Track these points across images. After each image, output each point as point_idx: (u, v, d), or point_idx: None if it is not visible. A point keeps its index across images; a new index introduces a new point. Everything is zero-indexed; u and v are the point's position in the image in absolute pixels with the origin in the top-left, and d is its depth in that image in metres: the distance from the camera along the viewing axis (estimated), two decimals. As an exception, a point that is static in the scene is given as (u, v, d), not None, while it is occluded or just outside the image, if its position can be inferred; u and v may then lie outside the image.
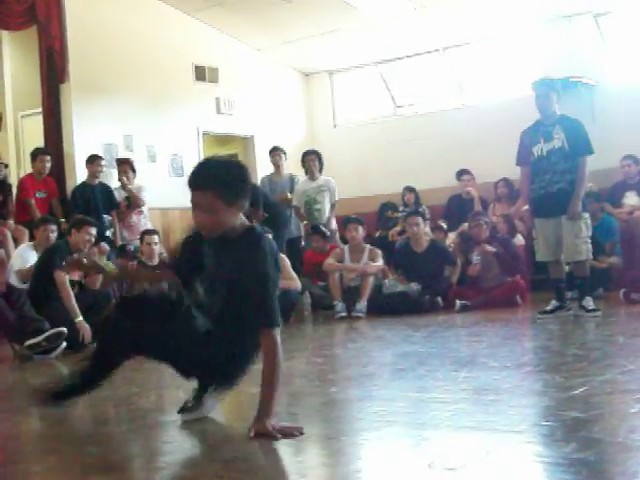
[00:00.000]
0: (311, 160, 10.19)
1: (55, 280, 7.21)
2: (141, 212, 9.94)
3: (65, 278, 7.26)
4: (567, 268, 7.30)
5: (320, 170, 10.20)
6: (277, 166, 10.43)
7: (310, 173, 10.20)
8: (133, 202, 9.80)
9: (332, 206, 10.21)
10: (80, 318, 7.17)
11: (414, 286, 8.61)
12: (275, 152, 10.44)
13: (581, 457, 2.56)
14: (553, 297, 7.10)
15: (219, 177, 3.13)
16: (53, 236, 7.93)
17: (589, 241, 6.98)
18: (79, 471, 2.94)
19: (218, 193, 3.12)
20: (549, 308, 7.03)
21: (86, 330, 7.17)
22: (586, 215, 6.98)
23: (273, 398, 3.26)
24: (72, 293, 7.25)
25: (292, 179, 10.36)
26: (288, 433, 3.14)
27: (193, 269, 3.50)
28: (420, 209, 10.54)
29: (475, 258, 8.55)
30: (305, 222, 10.07)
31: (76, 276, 7.56)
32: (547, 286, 7.67)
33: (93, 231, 7.56)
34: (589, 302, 6.90)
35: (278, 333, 3.26)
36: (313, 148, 10.83)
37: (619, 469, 2.43)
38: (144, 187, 9.97)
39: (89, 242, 7.52)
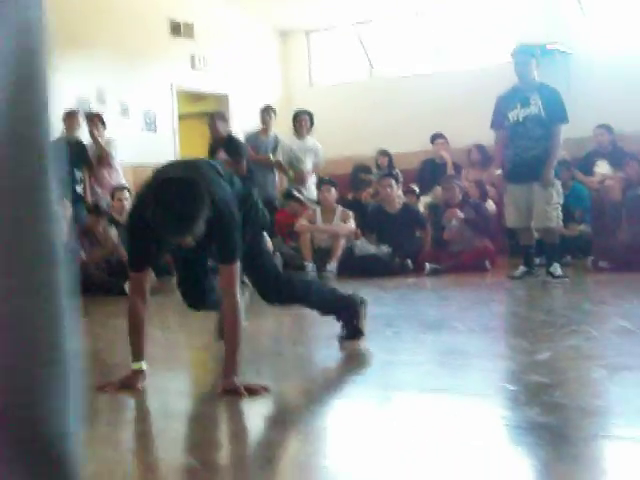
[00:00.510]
0: (303, 120, 10.15)
1: None
2: (111, 166, 9.84)
3: None
4: (536, 235, 7.36)
5: (309, 131, 10.18)
6: (266, 125, 10.33)
7: (299, 132, 10.14)
8: (102, 156, 9.69)
9: (314, 166, 10.17)
10: None
11: (385, 248, 8.64)
12: (267, 111, 10.34)
13: (544, 421, 2.61)
14: (522, 263, 7.17)
15: (197, 222, 3.12)
16: None
17: (559, 208, 7.05)
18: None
19: (200, 227, 3.14)
20: (517, 273, 7.09)
21: None
22: (557, 182, 7.04)
23: (238, 355, 3.27)
24: None
25: (277, 139, 10.29)
26: (255, 391, 3.16)
27: (149, 262, 3.52)
28: (393, 172, 10.52)
29: (452, 223, 8.59)
30: (291, 173, 10.02)
31: None
32: (517, 251, 7.73)
33: None
34: (557, 268, 6.96)
35: (237, 270, 3.39)
36: (289, 108, 10.75)
37: (580, 433, 2.48)
38: (114, 140, 9.85)
39: None
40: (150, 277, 3.56)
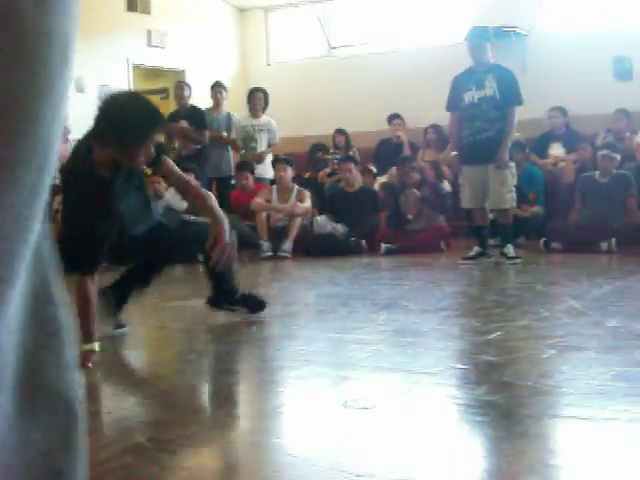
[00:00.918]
0: (257, 98, 10.13)
1: None
2: (67, 141, 9.78)
3: None
4: (491, 216, 7.43)
5: (264, 110, 10.17)
6: (217, 102, 10.27)
7: (253, 110, 10.13)
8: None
9: (270, 146, 10.23)
10: None
11: (340, 228, 8.66)
12: (217, 88, 10.28)
13: (491, 399, 2.64)
14: (476, 244, 7.23)
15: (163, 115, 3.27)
16: None
17: (514, 190, 7.12)
18: None
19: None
20: (471, 254, 7.15)
21: None
22: (512, 164, 7.10)
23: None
24: None
25: (230, 117, 10.25)
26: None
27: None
28: (350, 152, 10.55)
29: (412, 201, 8.63)
30: (243, 152, 10.00)
31: None
32: (472, 233, 7.79)
33: None
34: (510, 249, 7.04)
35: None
36: (245, 86, 10.80)
37: (527, 411, 2.51)
38: (67, 115, 9.79)
39: None
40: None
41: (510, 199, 7.08)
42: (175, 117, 9.77)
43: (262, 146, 10.04)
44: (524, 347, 3.51)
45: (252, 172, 9.45)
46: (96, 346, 3.42)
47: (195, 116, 9.79)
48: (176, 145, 9.65)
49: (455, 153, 7.36)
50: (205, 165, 9.45)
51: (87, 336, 3.40)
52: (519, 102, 6.99)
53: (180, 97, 9.98)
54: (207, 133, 9.75)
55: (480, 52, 7.06)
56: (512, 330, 3.86)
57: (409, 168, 8.77)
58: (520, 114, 7.08)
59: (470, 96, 7.02)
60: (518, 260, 6.95)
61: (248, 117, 10.12)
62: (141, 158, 3.33)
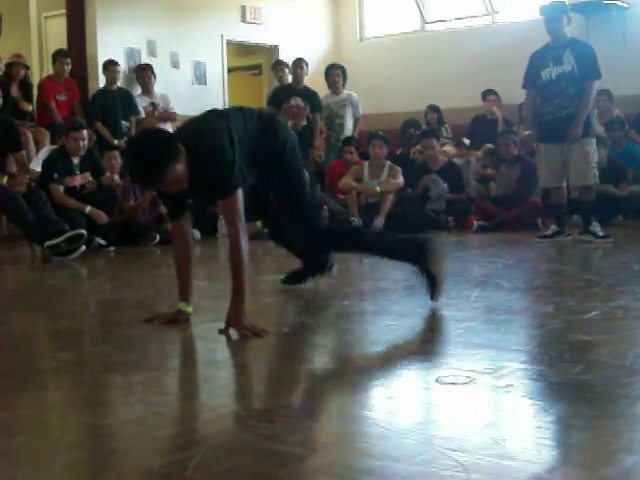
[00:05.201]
0: (336, 75, 10.15)
1: (51, 193, 7.24)
2: (165, 122, 9.99)
3: (60, 190, 7.31)
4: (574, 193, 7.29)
5: (343, 85, 10.19)
6: (297, 78, 10.24)
7: (333, 87, 10.17)
8: (164, 116, 9.88)
9: (356, 121, 10.24)
10: (89, 207, 7.30)
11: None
12: (298, 63, 10.25)
13: (586, 378, 2.60)
14: (553, 222, 7.13)
15: (159, 172, 3.27)
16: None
17: (596, 166, 6.98)
18: (96, 369, 3.00)
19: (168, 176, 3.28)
20: (548, 233, 7.09)
21: (99, 214, 7.31)
22: (592, 140, 6.95)
23: (242, 291, 3.45)
24: (70, 199, 7.31)
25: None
26: (257, 332, 3.33)
27: (182, 209, 3.67)
28: (443, 127, 10.47)
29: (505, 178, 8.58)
30: (324, 135, 10.07)
31: (78, 181, 7.55)
32: (548, 212, 7.65)
33: (82, 134, 7.46)
34: (597, 228, 6.89)
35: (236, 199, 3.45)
36: (337, 62, 10.79)
37: (623, 392, 2.46)
38: (168, 96, 10.00)
39: (80, 147, 7.45)
40: (189, 225, 3.74)
41: (593, 176, 6.94)
42: (288, 94, 9.73)
43: (347, 121, 10.09)
44: (621, 327, 3.44)
45: (357, 148, 9.46)
46: (187, 307, 3.69)
47: (315, 98, 9.79)
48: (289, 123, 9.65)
49: (529, 132, 7.23)
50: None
51: (180, 294, 3.70)
52: (597, 76, 6.86)
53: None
54: (318, 116, 9.76)
55: (556, 25, 6.94)
56: (608, 310, 3.78)
57: (511, 139, 8.65)
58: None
59: (547, 72, 6.91)
60: (609, 239, 6.78)
61: (329, 95, 10.17)
62: None
